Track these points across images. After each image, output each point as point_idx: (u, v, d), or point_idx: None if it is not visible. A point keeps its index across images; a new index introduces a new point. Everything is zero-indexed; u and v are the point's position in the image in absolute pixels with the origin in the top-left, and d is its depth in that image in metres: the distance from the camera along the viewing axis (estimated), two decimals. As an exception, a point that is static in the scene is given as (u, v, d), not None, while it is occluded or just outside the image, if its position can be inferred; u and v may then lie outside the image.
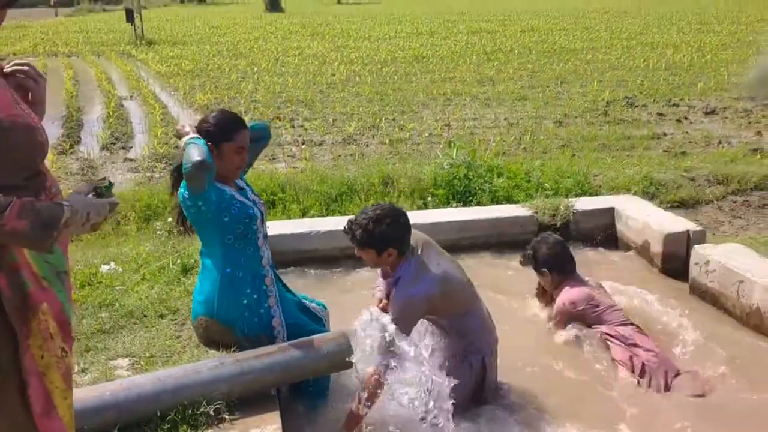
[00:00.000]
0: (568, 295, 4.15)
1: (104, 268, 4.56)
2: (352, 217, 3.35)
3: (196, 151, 3.14)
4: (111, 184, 2.08)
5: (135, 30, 26.51)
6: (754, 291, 4.21)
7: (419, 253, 3.33)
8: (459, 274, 3.44)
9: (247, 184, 3.63)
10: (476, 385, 3.49)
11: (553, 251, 4.25)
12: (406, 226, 3.28)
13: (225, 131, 3.35)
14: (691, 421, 3.42)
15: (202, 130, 3.38)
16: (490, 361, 3.51)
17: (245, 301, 3.38)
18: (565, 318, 4.15)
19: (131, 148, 10.36)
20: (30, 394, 1.84)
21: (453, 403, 3.17)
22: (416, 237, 3.42)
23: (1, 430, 1.82)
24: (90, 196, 1.99)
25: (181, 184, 3.33)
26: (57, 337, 1.89)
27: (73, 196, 1.96)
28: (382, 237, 3.21)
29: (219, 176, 3.40)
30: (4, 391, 1.82)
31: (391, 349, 3.08)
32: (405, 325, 3.17)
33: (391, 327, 3.09)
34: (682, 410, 3.51)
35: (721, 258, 4.54)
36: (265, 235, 3.55)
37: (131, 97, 15.03)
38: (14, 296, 1.80)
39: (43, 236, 1.78)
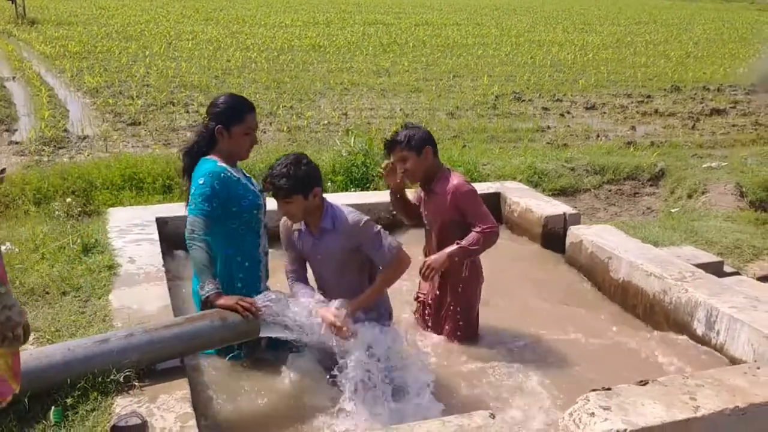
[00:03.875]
0: (459, 179, 3.94)
1: (-1, 248, 4.48)
2: (265, 173, 3.28)
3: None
4: None
5: (16, 8, 25.10)
6: (621, 266, 4.68)
7: None
8: None
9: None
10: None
11: (429, 133, 3.96)
12: (316, 166, 3.31)
13: (234, 113, 3.46)
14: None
15: (212, 113, 3.48)
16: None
17: (239, 285, 3.56)
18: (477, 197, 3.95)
19: (16, 130, 9.96)
20: None
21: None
22: None
23: None
24: None
25: (198, 179, 3.41)
26: None
27: None
28: (306, 177, 3.19)
29: (229, 156, 3.52)
30: None
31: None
32: (373, 225, 3.30)
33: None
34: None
35: (593, 237, 5.01)
36: (265, 225, 3.68)
37: (14, 78, 14.34)
38: None
39: None
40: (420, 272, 3.87)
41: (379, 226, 3.35)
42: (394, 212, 4.26)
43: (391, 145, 3.89)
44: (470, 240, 3.81)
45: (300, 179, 3.17)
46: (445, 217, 3.92)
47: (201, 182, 3.40)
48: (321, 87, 14.00)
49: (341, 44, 20.98)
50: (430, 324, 4.20)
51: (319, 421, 3.24)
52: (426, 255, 4.12)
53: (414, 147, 3.84)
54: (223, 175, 3.46)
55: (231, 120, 3.49)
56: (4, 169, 2.29)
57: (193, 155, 3.56)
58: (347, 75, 15.53)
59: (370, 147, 7.48)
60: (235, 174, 3.54)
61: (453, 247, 3.81)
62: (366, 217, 3.34)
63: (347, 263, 3.38)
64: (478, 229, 3.82)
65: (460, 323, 4.08)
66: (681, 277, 4.34)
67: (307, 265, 3.58)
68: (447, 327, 4.11)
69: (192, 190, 3.43)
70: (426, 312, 4.23)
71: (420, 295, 4.28)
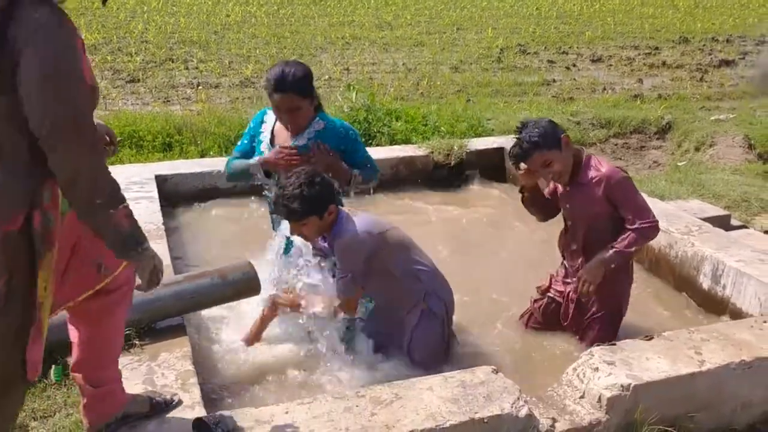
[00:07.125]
0: (609, 166, 3.34)
1: None
2: (276, 194, 3.03)
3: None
4: None
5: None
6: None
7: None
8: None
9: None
10: (445, 335, 3.33)
11: (551, 120, 3.32)
12: (330, 181, 3.07)
13: (266, 85, 3.21)
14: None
15: None
16: (451, 309, 3.37)
17: None
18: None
19: (15, 89, 9.85)
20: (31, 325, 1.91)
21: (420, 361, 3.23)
22: None
23: None
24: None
25: None
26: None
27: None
28: (320, 197, 2.95)
29: None
30: (7, 310, 1.86)
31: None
32: (350, 262, 3.09)
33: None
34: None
35: (599, 191, 4.93)
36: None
37: (11, 35, 14.15)
38: (42, 231, 1.87)
39: (128, 246, 1.99)
40: (577, 291, 3.42)
41: (355, 269, 3.11)
42: (528, 209, 3.64)
43: (526, 154, 3.21)
44: (627, 241, 3.24)
45: (315, 199, 2.93)
46: (595, 210, 3.32)
47: None
48: (322, 41, 13.80)
49: (342, -3, 20.65)
50: (566, 325, 3.66)
51: (318, 379, 3.22)
52: (562, 250, 3.64)
53: (554, 144, 3.20)
54: (259, 120, 3.50)
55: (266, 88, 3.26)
56: (120, 140, 2.22)
57: None
58: (349, 29, 15.30)
59: (372, 102, 7.37)
60: (265, 132, 3.41)
61: (608, 253, 3.26)
62: (356, 244, 3.06)
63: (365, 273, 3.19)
64: (635, 225, 3.24)
65: (608, 330, 3.48)
66: (687, 230, 4.28)
67: None
68: (591, 334, 3.51)
69: None
70: (561, 311, 3.66)
71: (553, 290, 3.68)
